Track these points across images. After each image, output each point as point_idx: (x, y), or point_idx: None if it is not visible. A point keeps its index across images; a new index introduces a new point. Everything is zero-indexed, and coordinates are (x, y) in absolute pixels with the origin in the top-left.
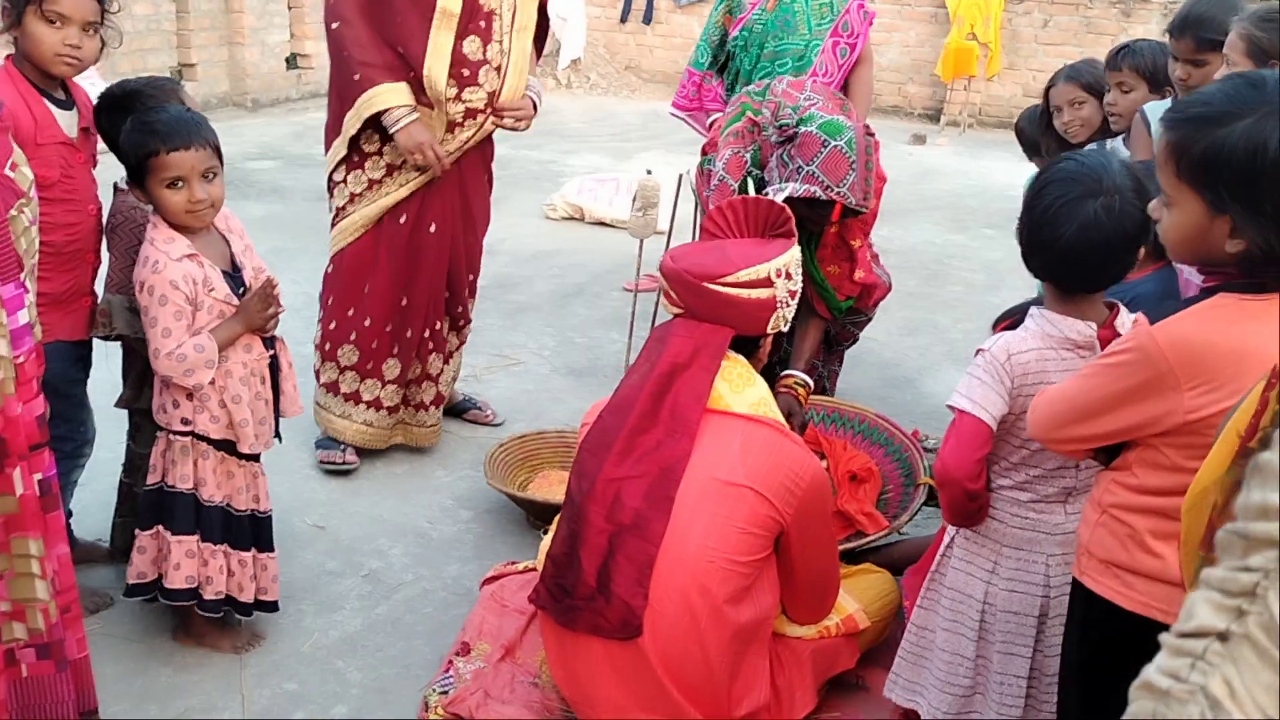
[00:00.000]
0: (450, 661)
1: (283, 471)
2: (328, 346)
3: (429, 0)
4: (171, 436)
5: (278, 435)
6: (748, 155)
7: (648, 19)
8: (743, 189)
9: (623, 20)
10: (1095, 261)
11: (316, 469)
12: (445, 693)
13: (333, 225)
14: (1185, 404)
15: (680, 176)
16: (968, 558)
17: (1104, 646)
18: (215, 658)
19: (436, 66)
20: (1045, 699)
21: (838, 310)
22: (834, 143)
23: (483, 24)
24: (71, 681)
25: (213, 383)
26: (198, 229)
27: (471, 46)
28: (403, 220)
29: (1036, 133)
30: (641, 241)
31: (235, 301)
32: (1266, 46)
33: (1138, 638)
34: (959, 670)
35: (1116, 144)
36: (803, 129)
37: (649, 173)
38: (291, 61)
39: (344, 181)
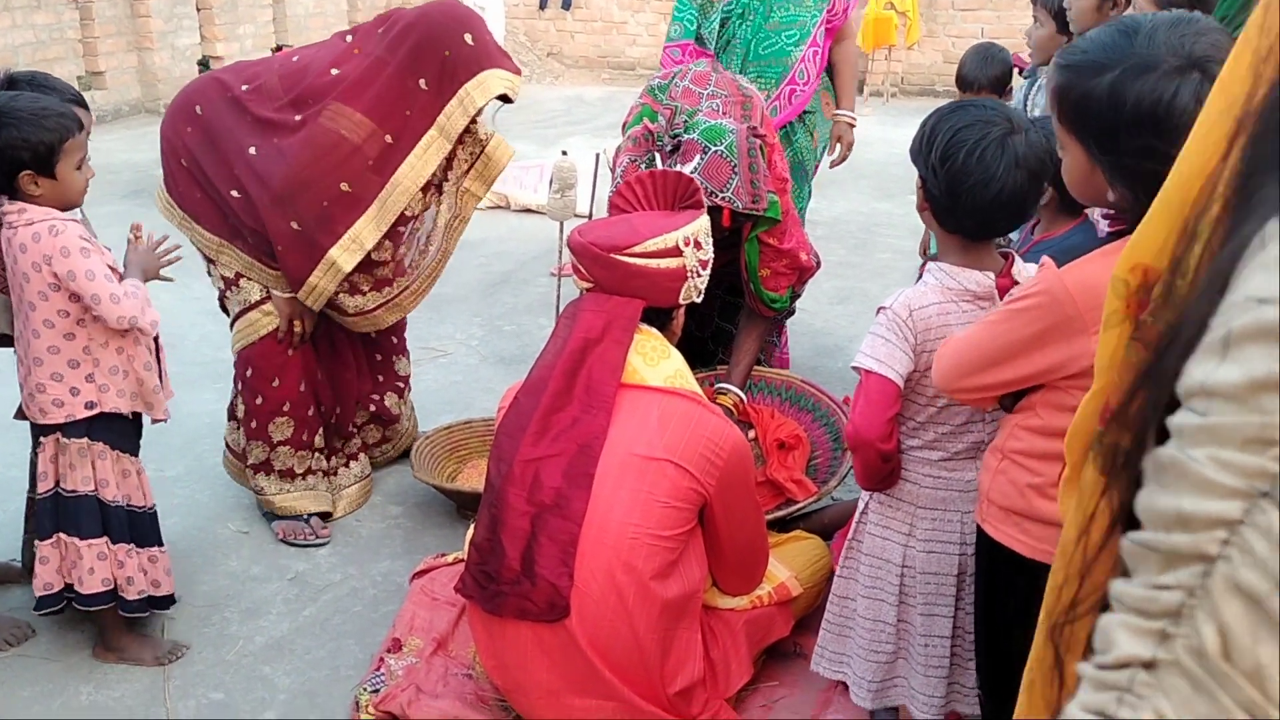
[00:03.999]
0: (381, 659)
1: (203, 479)
2: (254, 424)
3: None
4: (63, 439)
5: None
6: (642, 165)
7: (566, 4)
8: None
9: (541, 7)
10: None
11: (242, 484)
12: (376, 691)
13: (238, 317)
14: (1092, 348)
15: (597, 156)
16: (883, 522)
17: (1008, 593)
18: (137, 671)
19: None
20: (969, 657)
21: (781, 304)
22: (714, 148)
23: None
24: None
25: (121, 352)
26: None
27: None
28: None
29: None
30: (562, 224)
31: (119, 267)
32: None
33: (1037, 584)
34: (881, 636)
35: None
36: (685, 137)
37: (564, 154)
38: (205, 65)
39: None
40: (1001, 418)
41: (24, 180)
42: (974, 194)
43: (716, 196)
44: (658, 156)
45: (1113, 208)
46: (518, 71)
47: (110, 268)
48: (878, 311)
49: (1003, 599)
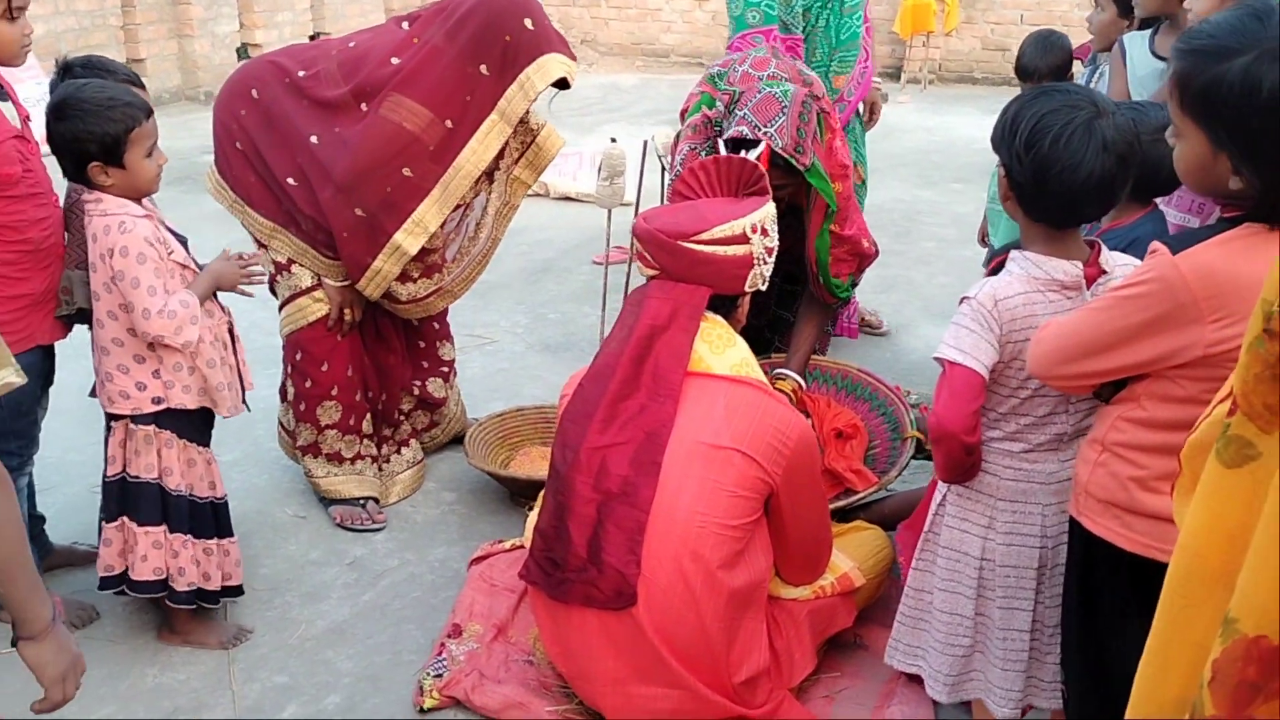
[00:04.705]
0: (442, 644)
1: (260, 463)
2: (303, 407)
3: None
4: (131, 425)
5: (244, 403)
6: (703, 153)
7: None
8: None
9: None
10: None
11: (294, 460)
12: (439, 676)
13: (287, 302)
14: (1207, 337)
15: (645, 143)
16: (962, 515)
17: (1105, 587)
18: (202, 655)
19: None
20: (1048, 650)
21: (845, 293)
22: (770, 89)
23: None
24: None
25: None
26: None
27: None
28: None
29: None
30: (610, 212)
31: (191, 264)
32: None
33: (1138, 578)
34: (959, 630)
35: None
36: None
37: (614, 141)
38: (243, 52)
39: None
40: (1094, 408)
41: (93, 171)
42: (1061, 180)
43: (759, 130)
44: (720, 143)
45: (1232, 197)
46: (574, 57)
47: (181, 265)
48: (960, 302)
49: (1102, 594)
